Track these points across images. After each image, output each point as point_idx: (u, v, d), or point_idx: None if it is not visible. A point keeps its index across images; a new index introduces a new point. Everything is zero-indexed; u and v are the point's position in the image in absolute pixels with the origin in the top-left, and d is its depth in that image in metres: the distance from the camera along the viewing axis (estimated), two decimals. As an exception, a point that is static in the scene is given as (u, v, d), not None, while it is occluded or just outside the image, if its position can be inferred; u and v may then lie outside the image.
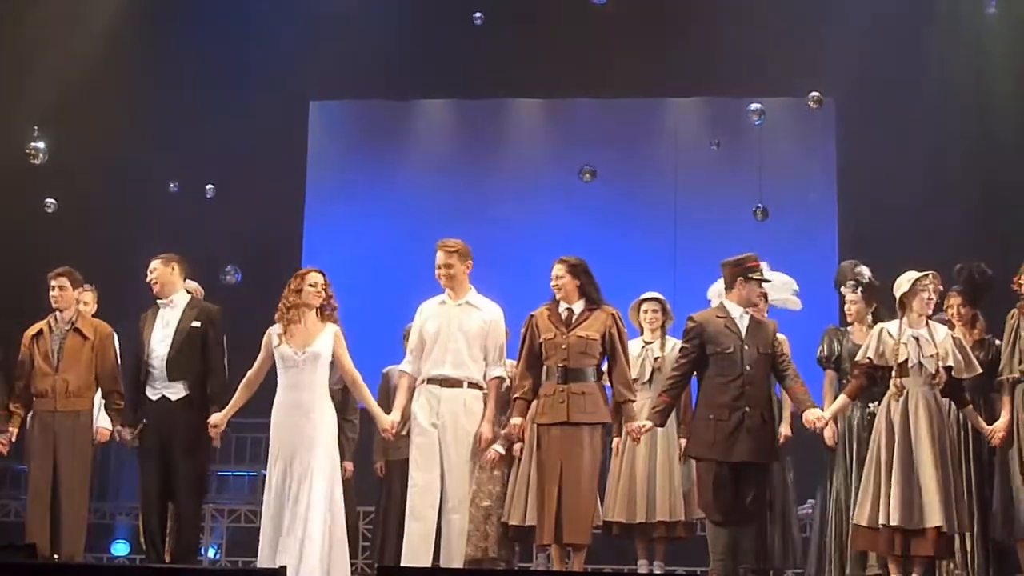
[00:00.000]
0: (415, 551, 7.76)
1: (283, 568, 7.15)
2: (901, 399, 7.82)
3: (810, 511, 9.31)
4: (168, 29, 13.41)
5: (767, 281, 8.16)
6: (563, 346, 7.80)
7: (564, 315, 7.91)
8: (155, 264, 8.64)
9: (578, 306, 7.92)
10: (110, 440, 9.14)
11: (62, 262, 8.84)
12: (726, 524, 7.74)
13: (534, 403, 8.00)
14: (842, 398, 8.14)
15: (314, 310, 7.96)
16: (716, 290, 8.65)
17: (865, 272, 8.83)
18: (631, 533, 8.73)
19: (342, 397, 9.35)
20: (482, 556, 8.74)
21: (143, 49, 13.18)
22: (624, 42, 12.66)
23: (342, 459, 9.25)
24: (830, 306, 9.74)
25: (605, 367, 7.96)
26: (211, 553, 11.47)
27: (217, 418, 8.20)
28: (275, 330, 7.96)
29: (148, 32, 13.28)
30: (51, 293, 8.71)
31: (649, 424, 7.90)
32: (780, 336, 8.20)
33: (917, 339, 7.83)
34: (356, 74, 13.63)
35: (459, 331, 8.00)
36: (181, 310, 8.64)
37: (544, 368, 7.89)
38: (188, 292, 8.79)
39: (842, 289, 8.92)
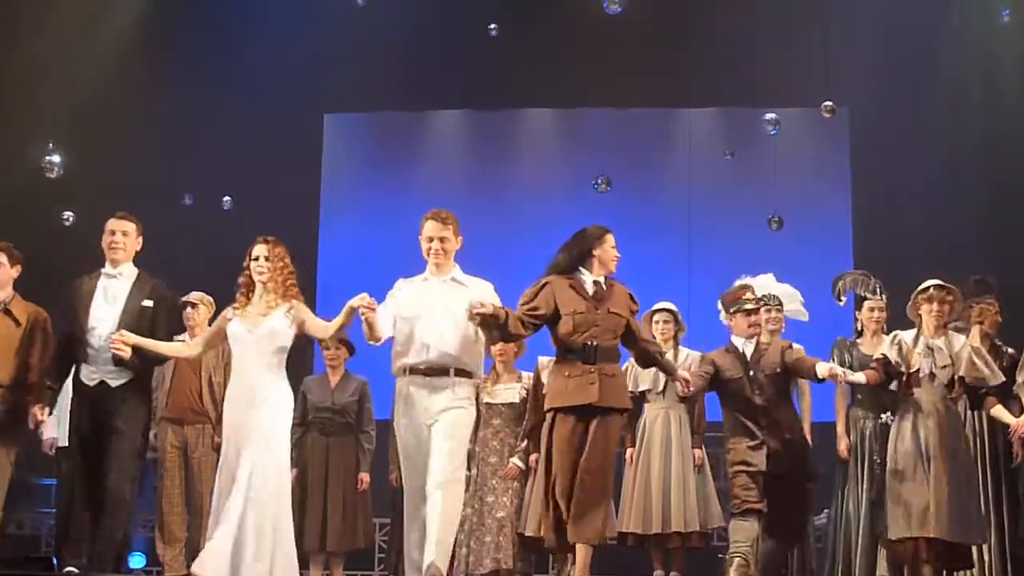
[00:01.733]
0: (413, 552, 7.06)
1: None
2: (912, 412, 7.72)
3: (825, 521, 9.33)
4: (183, 43, 13.48)
5: (757, 311, 7.99)
6: (596, 323, 7.15)
7: (592, 288, 7.27)
8: (128, 227, 7.72)
9: (603, 278, 7.32)
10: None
11: (79, 273, 8.06)
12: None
13: (550, 386, 7.42)
14: (860, 375, 7.90)
15: (267, 288, 7.19)
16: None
17: (876, 283, 8.86)
18: (646, 544, 8.70)
19: (358, 408, 9.42)
20: (497, 567, 8.78)
21: (158, 64, 13.25)
22: (637, 52, 12.67)
23: (358, 470, 9.36)
24: (843, 315, 9.73)
25: None
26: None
27: (129, 335, 7.23)
28: (228, 312, 7.27)
29: (163, 47, 13.35)
30: None
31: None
32: (796, 346, 8.20)
33: (932, 350, 7.73)
34: (369, 86, 13.68)
35: (445, 312, 7.10)
36: (129, 284, 7.65)
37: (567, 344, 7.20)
38: (136, 267, 7.76)
39: (867, 295, 8.89)
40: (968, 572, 8.03)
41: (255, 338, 7.10)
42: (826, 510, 9.25)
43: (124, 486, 7.47)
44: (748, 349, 7.85)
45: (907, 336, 7.84)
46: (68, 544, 7.47)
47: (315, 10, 13.31)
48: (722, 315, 8.21)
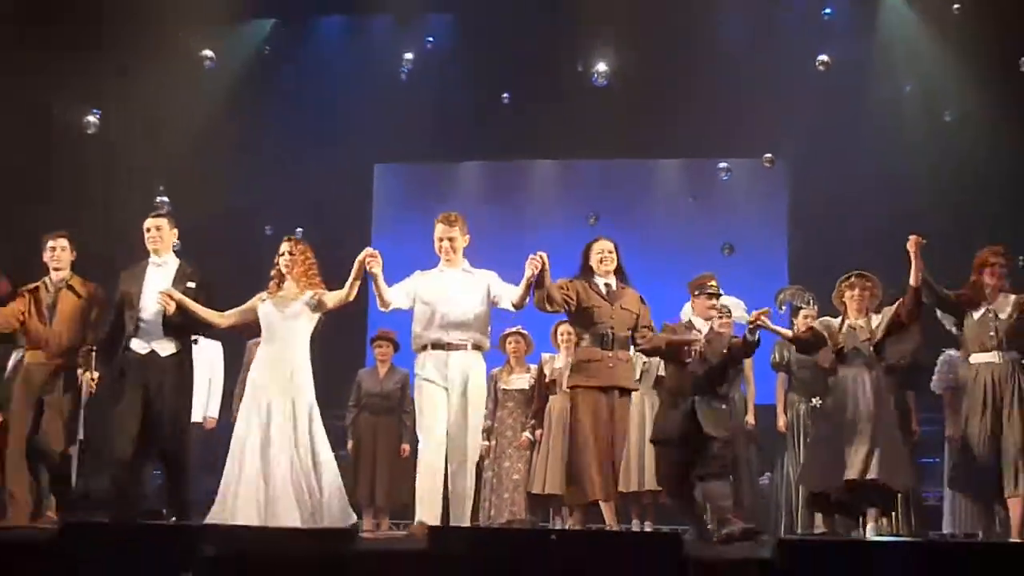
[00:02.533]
0: (427, 504, 6.85)
1: (355, 526, 6.99)
2: (852, 382, 7.20)
3: (767, 482, 9.37)
4: (264, 103, 13.58)
5: (717, 296, 7.51)
6: (611, 316, 7.10)
7: (604, 289, 7.20)
8: (160, 222, 7.43)
9: (612, 281, 7.26)
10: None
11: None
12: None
13: (567, 371, 7.43)
14: (789, 332, 7.77)
15: (292, 278, 7.09)
16: (687, 311, 8.68)
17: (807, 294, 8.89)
18: (625, 500, 8.73)
19: (401, 394, 9.47)
20: (512, 518, 8.83)
21: (243, 120, 13.30)
22: (619, 115, 12.69)
23: (401, 442, 9.42)
24: (782, 321, 9.76)
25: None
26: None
27: (175, 292, 7.06)
28: (264, 294, 7.14)
29: (247, 107, 13.42)
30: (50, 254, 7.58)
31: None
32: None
33: (854, 328, 7.33)
34: (410, 142, 13.74)
35: (460, 295, 7.02)
36: (173, 271, 7.35)
37: (588, 333, 7.13)
38: (177, 257, 7.50)
39: (801, 305, 8.90)
40: (884, 520, 7.53)
41: (283, 317, 7.01)
42: (767, 473, 9.29)
43: (181, 446, 7.25)
44: (703, 330, 7.40)
45: (834, 321, 7.50)
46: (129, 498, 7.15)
47: (366, 81, 13.39)
48: (687, 307, 8.12)
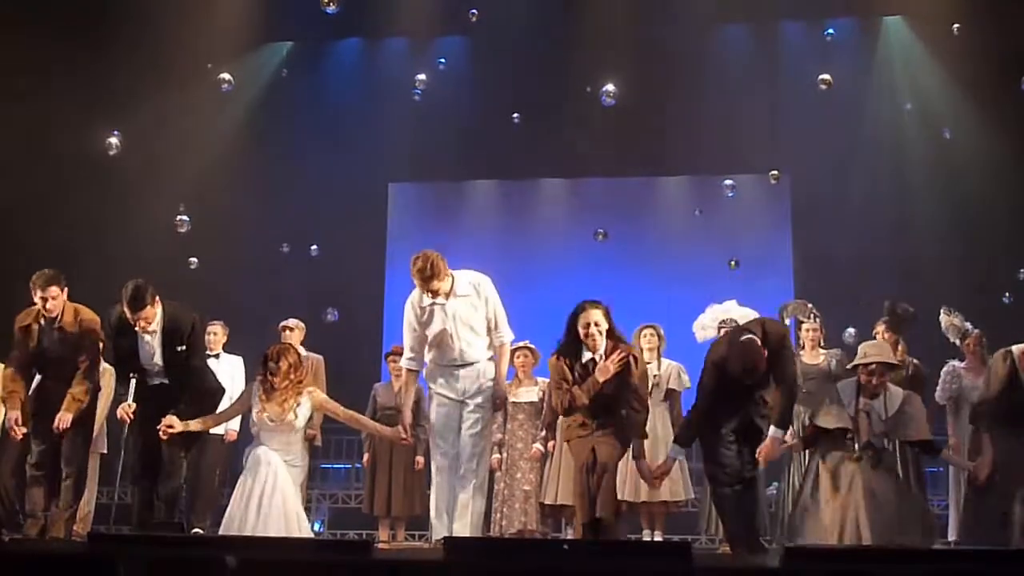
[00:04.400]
0: (441, 507, 6.82)
1: (371, 539, 6.98)
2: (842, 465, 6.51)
3: (775, 492, 9.31)
4: (283, 127, 13.69)
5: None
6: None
7: (589, 366, 6.59)
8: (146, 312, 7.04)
9: (602, 349, 6.60)
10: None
11: (203, 307, 7.94)
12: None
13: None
14: (799, 443, 7.21)
15: (293, 387, 6.77)
16: (699, 323, 8.66)
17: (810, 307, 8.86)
18: (636, 509, 8.70)
19: (416, 408, 9.43)
20: (523, 528, 8.80)
21: (263, 144, 13.42)
22: (627, 134, 12.75)
23: (415, 454, 9.38)
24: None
25: None
26: (316, 527, 11.47)
27: (172, 419, 6.83)
28: (256, 390, 6.81)
29: (266, 130, 13.52)
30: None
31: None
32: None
33: (868, 414, 6.58)
34: (423, 162, 13.78)
35: (462, 324, 6.85)
36: (160, 340, 7.16)
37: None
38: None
39: (803, 319, 8.86)
40: None
41: (278, 426, 6.77)
42: (775, 483, 9.24)
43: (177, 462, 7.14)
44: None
45: (845, 389, 6.71)
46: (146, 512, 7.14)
47: (381, 102, 13.44)
48: (698, 321, 8.00)
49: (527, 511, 8.83)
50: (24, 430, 7.27)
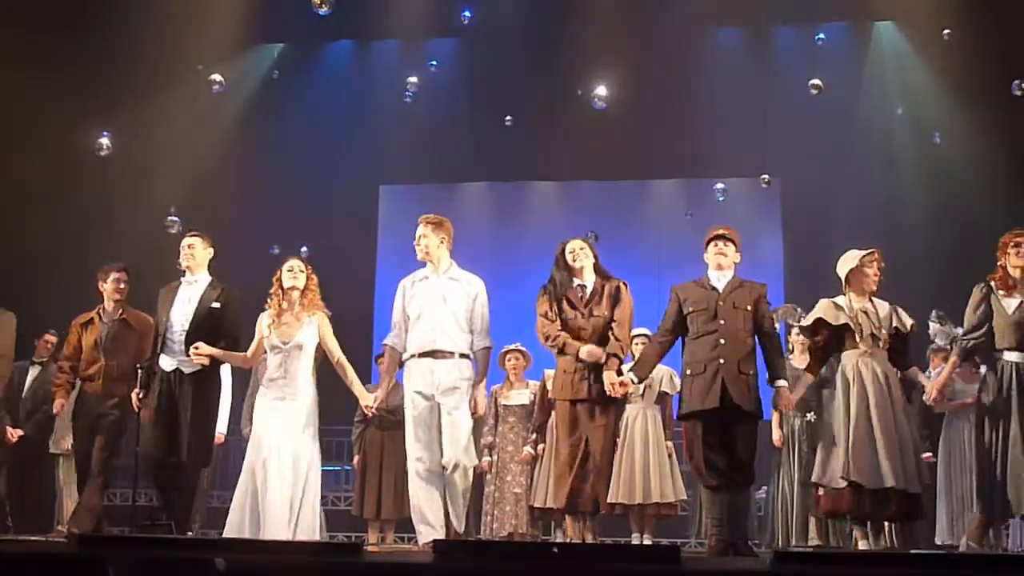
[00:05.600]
0: (426, 513, 6.66)
1: (360, 541, 6.96)
2: (854, 365, 6.53)
3: (764, 496, 9.33)
4: (272, 130, 13.66)
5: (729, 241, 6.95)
6: (585, 328, 6.71)
7: (579, 292, 6.78)
8: (194, 241, 7.40)
9: (590, 281, 6.83)
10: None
11: None
12: (719, 489, 6.36)
13: (552, 380, 6.97)
14: (807, 376, 6.98)
15: (298, 297, 6.94)
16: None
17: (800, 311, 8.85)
18: (628, 512, 8.68)
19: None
20: (514, 532, 8.79)
21: (252, 145, 13.40)
22: (618, 137, 12.75)
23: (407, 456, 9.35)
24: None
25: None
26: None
27: (204, 346, 6.99)
28: (265, 320, 6.95)
29: (256, 133, 13.51)
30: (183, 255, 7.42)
31: (626, 377, 6.58)
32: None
33: (866, 312, 6.63)
34: (414, 164, 13.77)
35: (444, 304, 6.71)
36: (203, 288, 7.30)
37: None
38: (209, 273, 7.46)
39: (792, 323, 8.85)
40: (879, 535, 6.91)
41: (290, 348, 6.88)
42: (764, 487, 9.25)
43: (196, 455, 7.17)
44: (720, 283, 6.75)
45: (839, 300, 6.79)
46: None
47: (372, 104, 13.43)
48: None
49: (518, 514, 8.84)
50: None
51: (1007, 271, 6.69)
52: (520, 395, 9.08)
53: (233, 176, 13.06)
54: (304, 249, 12.46)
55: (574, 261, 6.80)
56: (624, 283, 6.90)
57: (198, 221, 11.50)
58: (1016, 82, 10.39)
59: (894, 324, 6.67)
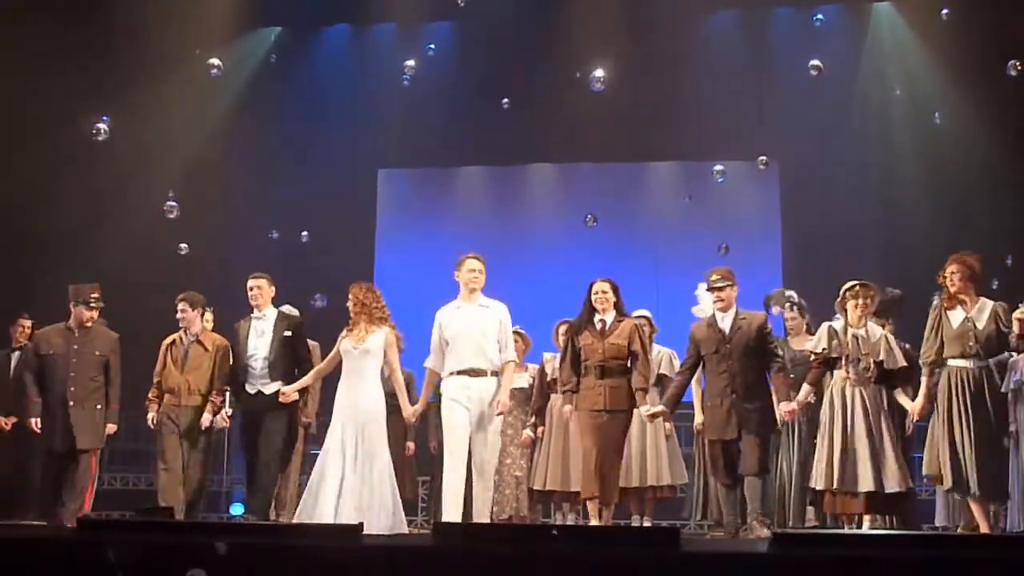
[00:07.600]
0: (452, 507, 7.40)
1: (360, 524, 7.00)
2: (840, 389, 7.38)
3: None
4: (270, 113, 13.64)
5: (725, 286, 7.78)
6: (599, 351, 7.63)
7: (599, 325, 7.69)
8: (260, 283, 8.37)
9: (610, 317, 7.71)
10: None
11: (187, 288, 8.61)
12: (733, 487, 7.61)
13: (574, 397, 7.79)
14: (806, 387, 7.67)
15: (366, 315, 7.69)
16: (698, 309, 8.63)
17: (794, 295, 8.87)
18: (626, 495, 8.71)
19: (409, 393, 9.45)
20: (514, 514, 8.81)
21: (251, 129, 13.34)
22: (617, 119, 12.73)
23: (407, 440, 9.39)
24: (774, 323, 9.75)
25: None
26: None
27: (287, 388, 8.07)
28: (343, 335, 7.78)
29: (254, 116, 13.46)
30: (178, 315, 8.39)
31: (659, 410, 7.80)
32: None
33: (857, 338, 7.43)
34: (412, 147, 13.75)
35: (479, 330, 7.60)
36: (272, 322, 8.32)
37: (583, 367, 7.68)
38: (275, 307, 8.44)
39: (777, 309, 8.88)
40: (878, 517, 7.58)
41: (359, 352, 7.62)
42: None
43: (270, 461, 8.17)
44: (726, 324, 7.66)
45: (837, 325, 7.58)
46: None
47: (370, 88, 13.42)
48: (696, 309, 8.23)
49: (519, 497, 8.85)
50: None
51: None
52: (520, 379, 9.07)
53: (232, 160, 13.05)
54: (304, 234, 12.51)
55: (598, 303, 7.75)
56: (639, 321, 7.97)
57: (197, 205, 11.56)
58: (1012, 62, 10.39)
59: (881, 356, 7.42)
